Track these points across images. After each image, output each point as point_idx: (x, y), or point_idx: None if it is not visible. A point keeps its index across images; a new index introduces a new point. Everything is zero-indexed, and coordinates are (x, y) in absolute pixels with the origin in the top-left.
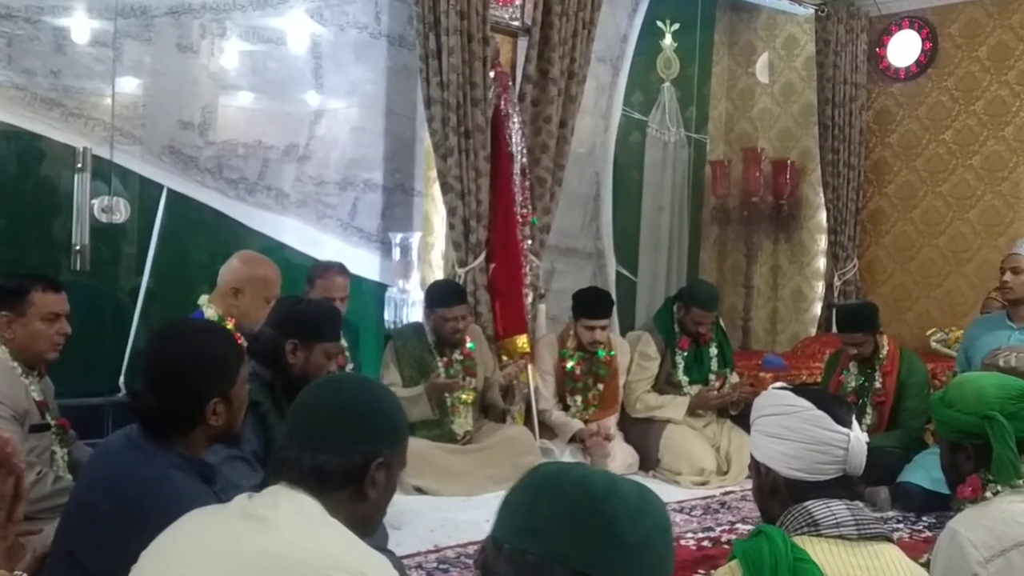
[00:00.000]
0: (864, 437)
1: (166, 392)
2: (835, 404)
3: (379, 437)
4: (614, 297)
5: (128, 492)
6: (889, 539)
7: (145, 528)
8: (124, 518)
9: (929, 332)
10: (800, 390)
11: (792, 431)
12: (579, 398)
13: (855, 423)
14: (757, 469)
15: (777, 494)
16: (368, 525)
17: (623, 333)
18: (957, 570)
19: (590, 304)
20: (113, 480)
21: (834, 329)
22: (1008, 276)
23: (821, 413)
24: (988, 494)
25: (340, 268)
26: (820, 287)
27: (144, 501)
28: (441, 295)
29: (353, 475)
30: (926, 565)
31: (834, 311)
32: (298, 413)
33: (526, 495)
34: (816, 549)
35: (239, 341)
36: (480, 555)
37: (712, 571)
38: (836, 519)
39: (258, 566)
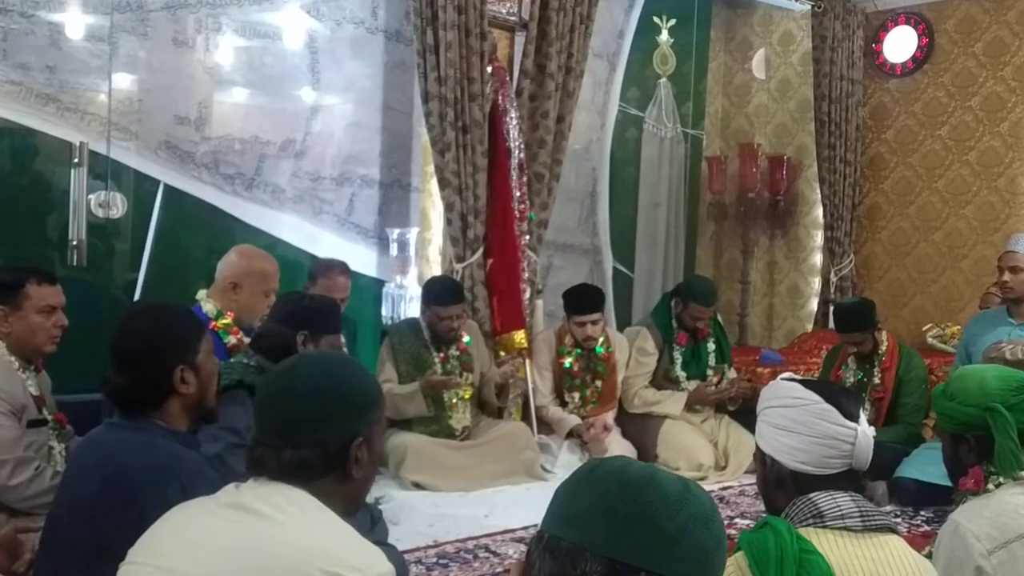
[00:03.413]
0: (871, 431)
1: (133, 367)
2: (843, 398)
3: (353, 417)
4: (609, 292)
5: (118, 466)
6: (893, 530)
7: (140, 498)
8: (118, 492)
9: (925, 328)
10: (808, 382)
11: (799, 424)
12: (577, 395)
13: (863, 417)
14: (762, 460)
15: (782, 485)
16: (358, 502)
17: (620, 329)
18: (960, 562)
19: (578, 299)
20: (102, 460)
21: (831, 325)
22: (1008, 276)
23: (829, 407)
24: (990, 486)
25: (343, 268)
26: (816, 283)
27: (135, 471)
28: (437, 293)
29: (335, 460)
30: (927, 558)
31: (831, 310)
32: (265, 409)
33: (569, 486)
34: (821, 541)
35: (237, 336)
36: (528, 547)
37: None
38: (841, 511)
39: (253, 561)
